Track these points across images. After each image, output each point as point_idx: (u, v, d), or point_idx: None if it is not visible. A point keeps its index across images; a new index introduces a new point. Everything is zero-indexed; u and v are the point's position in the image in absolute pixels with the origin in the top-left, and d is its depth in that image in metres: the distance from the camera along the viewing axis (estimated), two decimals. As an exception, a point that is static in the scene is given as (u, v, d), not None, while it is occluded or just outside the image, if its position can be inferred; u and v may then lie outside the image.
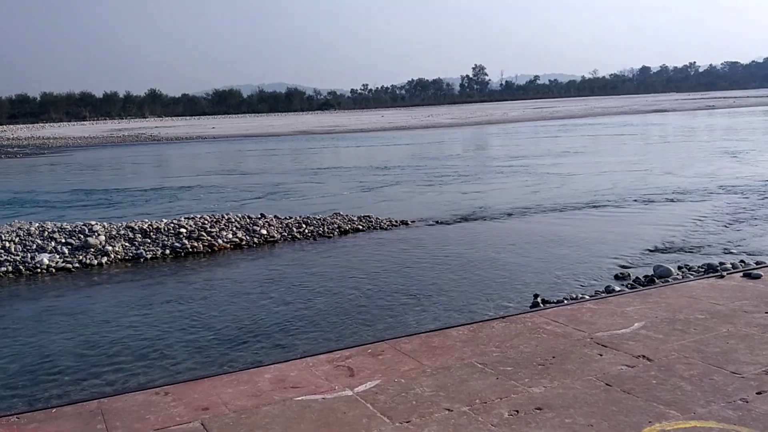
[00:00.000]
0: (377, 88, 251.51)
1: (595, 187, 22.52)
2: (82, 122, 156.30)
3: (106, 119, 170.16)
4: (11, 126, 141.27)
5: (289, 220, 16.58)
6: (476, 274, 11.63)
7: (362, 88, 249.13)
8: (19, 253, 13.34)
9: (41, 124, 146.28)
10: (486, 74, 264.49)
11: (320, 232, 15.93)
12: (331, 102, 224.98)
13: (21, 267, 12.87)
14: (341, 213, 17.66)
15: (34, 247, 13.59)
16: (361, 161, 36.73)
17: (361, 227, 16.47)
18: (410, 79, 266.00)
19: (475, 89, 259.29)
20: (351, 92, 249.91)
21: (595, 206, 18.79)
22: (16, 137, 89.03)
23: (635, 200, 19.49)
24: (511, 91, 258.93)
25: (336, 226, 16.37)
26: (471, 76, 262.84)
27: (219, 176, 31.42)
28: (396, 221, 17.07)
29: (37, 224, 14.51)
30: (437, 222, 17.18)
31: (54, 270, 12.86)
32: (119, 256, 13.60)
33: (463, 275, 11.60)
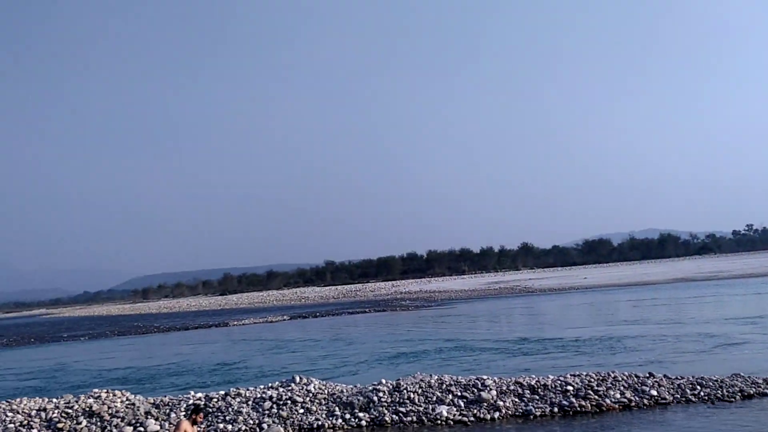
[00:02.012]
0: (765, 227, 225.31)
1: None
2: (462, 276, 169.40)
3: (482, 272, 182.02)
4: (403, 281, 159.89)
5: (681, 381, 15.40)
6: None
7: (746, 228, 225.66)
8: (422, 404, 14.67)
9: (427, 279, 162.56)
10: None
11: (718, 395, 14.45)
12: (710, 245, 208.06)
13: (423, 417, 14.12)
14: (742, 374, 15.83)
15: (434, 398, 14.83)
16: None
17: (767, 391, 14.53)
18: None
19: None
20: (733, 234, 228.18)
21: None
22: (408, 291, 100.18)
23: None
24: None
25: (737, 389, 14.70)
26: None
27: (612, 327, 30.30)
28: (815, 386, 14.65)
29: (436, 377, 15.87)
30: None
31: (452, 422, 13.82)
32: (509, 412, 14.06)
33: None
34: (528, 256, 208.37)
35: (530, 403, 14.30)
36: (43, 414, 15.64)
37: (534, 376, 15.73)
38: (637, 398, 14.38)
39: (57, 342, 54.80)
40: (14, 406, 16.29)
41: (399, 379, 16.04)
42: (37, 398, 17.23)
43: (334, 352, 28.79)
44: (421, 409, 14.45)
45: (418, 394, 15.06)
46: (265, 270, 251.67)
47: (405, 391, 15.18)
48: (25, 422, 15.31)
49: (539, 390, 14.89)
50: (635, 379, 15.46)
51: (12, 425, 15.13)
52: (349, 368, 23.62)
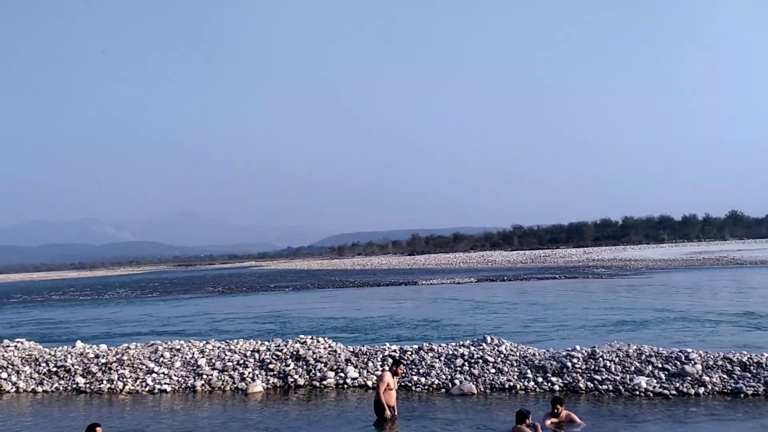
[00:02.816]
0: None
1: None
2: (661, 245, 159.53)
3: (684, 242, 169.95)
4: (596, 248, 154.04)
5: None
6: None
7: None
8: (619, 373, 14.19)
9: (622, 246, 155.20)
10: None
11: None
12: None
13: (620, 387, 13.67)
14: None
15: (632, 368, 14.26)
16: None
17: None
18: None
19: None
20: None
21: None
22: (600, 258, 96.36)
23: None
24: None
25: None
26: None
27: None
28: None
29: (634, 347, 15.22)
30: None
31: (651, 394, 13.25)
32: (716, 388, 13.18)
33: None
34: (737, 226, 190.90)
35: (740, 381, 13.28)
36: (256, 355, 17.24)
37: (746, 353, 14.54)
38: None
39: (265, 291, 59.85)
40: (232, 347, 18.11)
41: (595, 347, 15.62)
42: (251, 340, 19.00)
43: (540, 316, 28.36)
44: (618, 378, 13.99)
45: (614, 363, 14.56)
46: (452, 232, 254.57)
47: (601, 359, 14.75)
48: (242, 361, 16.98)
49: (751, 368, 13.75)
50: None
51: (230, 363, 16.86)
52: (566, 332, 23.17)
